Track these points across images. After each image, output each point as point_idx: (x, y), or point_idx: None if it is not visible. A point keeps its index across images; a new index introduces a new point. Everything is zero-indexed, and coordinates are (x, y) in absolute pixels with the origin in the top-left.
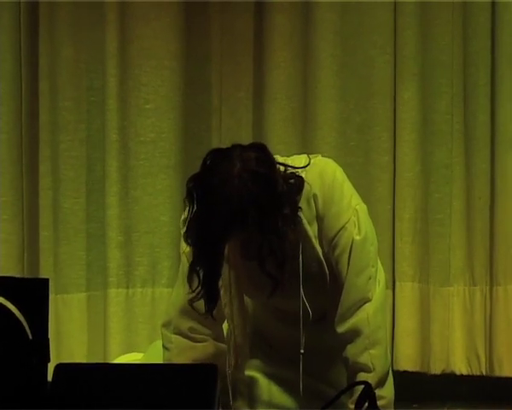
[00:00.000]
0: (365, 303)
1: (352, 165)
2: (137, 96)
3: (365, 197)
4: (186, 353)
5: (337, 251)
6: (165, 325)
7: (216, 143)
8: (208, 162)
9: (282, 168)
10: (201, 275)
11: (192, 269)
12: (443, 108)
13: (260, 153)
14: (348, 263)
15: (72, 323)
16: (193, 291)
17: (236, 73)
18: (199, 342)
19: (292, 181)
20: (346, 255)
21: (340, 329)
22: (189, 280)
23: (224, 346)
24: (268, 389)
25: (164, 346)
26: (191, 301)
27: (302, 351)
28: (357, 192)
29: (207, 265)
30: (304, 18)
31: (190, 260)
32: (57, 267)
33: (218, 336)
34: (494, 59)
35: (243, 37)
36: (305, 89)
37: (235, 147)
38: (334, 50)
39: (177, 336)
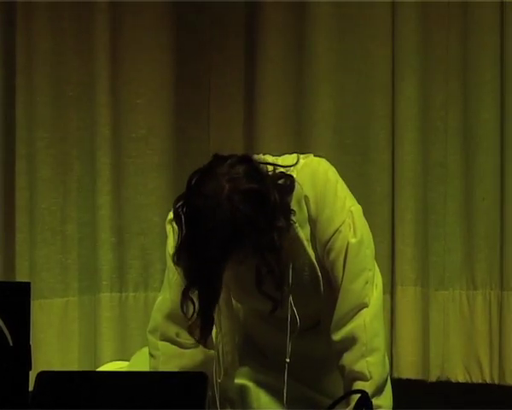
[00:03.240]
0: (362, 309)
1: (349, 164)
2: (129, 91)
3: (363, 198)
4: (173, 360)
5: (332, 255)
6: (151, 331)
7: (207, 140)
8: (194, 184)
9: (270, 168)
10: (197, 302)
11: (186, 294)
12: (438, 105)
13: (248, 166)
14: (344, 267)
15: (51, 329)
16: (189, 319)
17: (228, 67)
18: (187, 348)
19: (281, 181)
20: (342, 259)
21: (336, 336)
22: (183, 306)
23: (213, 352)
24: (257, 397)
25: (150, 353)
26: (190, 330)
27: (288, 360)
28: (354, 193)
29: (205, 293)
30: (298, 10)
31: (183, 278)
32: (34, 271)
33: (207, 343)
34: (503, 54)
35: (235, 30)
36: (299, 84)
37: (220, 163)
38: (330, 44)
39: (164, 343)
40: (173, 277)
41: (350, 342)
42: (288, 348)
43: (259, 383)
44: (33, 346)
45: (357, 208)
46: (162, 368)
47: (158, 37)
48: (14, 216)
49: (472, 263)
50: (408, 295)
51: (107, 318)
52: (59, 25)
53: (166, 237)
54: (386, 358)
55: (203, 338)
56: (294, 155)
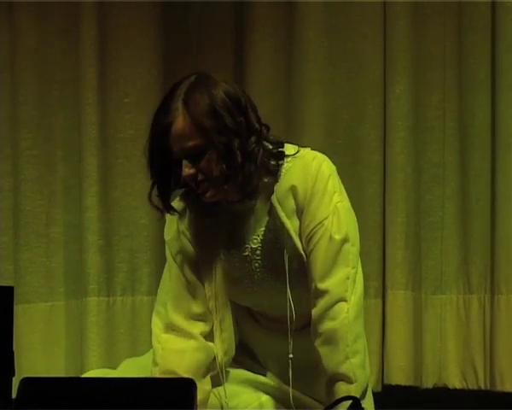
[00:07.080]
0: (340, 302)
1: (340, 165)
2: (117, 90)
3: (354, 199)
4: (172, 356)
5: (310, 245)
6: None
7: None
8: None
9: (270, 146)
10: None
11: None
12: (434, 104)
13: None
14: (324, 260)
15: (34, 335)
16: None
17: (216, 65)
18: (190, 336)
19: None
20: (319, 249)
21: (317, 332)
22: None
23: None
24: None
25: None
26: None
27: (291, 355)
28: (345, 193)
29: (157, 168)
30: (288, 9)
31: (173, 249)
32: (18, 275)
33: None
34: (495, 51)
35: (224, 29)
36: (288, 83)
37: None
38: (320, 42)
39: (167, 336)
40: (173, 269)
41: (333, 340)
42: (290, 342)
43: (255, 388)
44: (16, 351)
45: (343, 205)
46: (160, 362)
47: (146, 35)
48: None
49: (468, 266)
50: (398, 300)
51: (94, 322)
52: (44, 23)
53: (157, 240)
54: (367, 361)
55: (165, 208)
56: (295, 147)
